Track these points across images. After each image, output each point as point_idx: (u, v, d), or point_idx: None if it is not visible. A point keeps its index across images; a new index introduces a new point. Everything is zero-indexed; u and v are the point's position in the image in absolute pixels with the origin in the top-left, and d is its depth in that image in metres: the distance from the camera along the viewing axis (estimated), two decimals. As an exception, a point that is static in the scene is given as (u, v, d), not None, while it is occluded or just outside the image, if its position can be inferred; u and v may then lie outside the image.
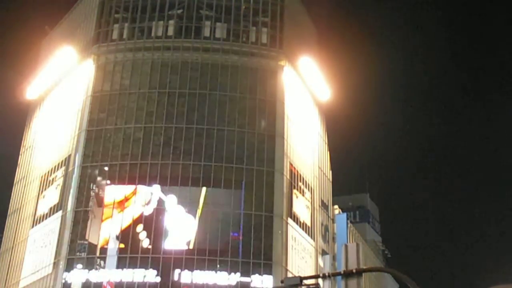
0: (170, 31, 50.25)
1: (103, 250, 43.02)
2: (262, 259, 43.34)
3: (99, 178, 45.58)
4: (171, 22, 50.51)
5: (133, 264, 42.23)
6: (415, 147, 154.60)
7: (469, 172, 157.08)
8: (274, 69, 49.93)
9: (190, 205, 44.23)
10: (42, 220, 48.76)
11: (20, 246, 51.27)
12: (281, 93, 49.24)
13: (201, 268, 42.38)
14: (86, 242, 43.62)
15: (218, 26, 50.55)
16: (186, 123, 46.58)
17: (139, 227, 43.55)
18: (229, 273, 42.45)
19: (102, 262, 42.83)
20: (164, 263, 42.27)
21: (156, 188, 44.49)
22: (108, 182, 45.30)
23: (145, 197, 44.43)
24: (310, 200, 51.48)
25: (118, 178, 45.14)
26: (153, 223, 43.53)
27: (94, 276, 42.25)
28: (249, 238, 43.75)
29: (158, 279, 41.79)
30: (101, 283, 42.00)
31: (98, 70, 49.44)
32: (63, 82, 53.46)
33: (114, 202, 44.38)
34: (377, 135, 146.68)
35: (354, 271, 17.88)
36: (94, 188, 45.40)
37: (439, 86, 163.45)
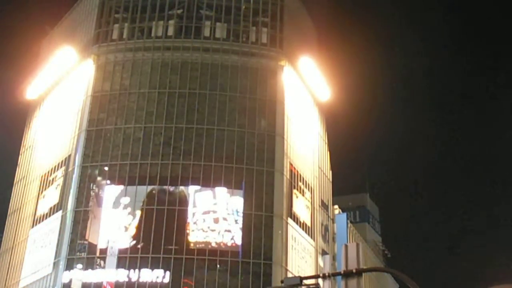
0: (170, 31, 50.30)
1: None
2: (262, 259, 43.37)
3: (99, 178, 45.61)
4: (171, 22, 50.56)
5: (133, 264, 42.29)
6: (415, 147, 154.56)
7: (470, 172, 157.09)
8: (274, 69, 49.96)
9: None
10: (42, 220, 48.78)
11: (20, 246, 51.28)
12: (281, 93, 49.27)
13: (201, 267, 42.43)
14: (86, 242, 43.65)
15: (218, 26, 50.60)
16: (186, 123, 46.61)
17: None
18: (230, 272, 42.53)
19: (102, 262, 42.89)
20: (164, 263, 42.32)
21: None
22: (108, 182, 45.33)
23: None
24: (310, 200, 51.50)
25: (118, 178, 45.17)
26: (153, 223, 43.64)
27: (94, 276, 42.28)
28: (249, 238, 43.77)
29: (158, 279, 41.82)
30: (101, 283, 42.04)
31: (98, 70, 49.47)
32: (63, 82, 53.48)
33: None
34: (377, 135, 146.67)
35: (354, 271, 17.88)
36: (94, 188, 45.43)
37: (440, 86, 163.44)
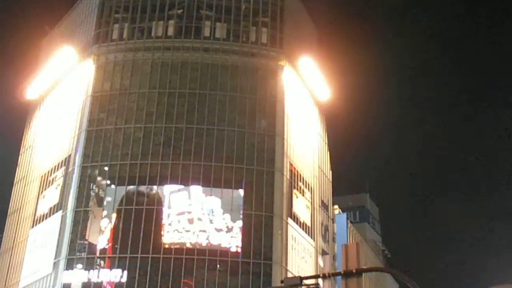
0: (170, 31, 50.28)
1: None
2: (262, 259, 43.37)
3: (99, 178, 45.61)
4: (171, 22, 50.55)
5: (133, 264, 42.29)
6: (415, 147, 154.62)
7: (470, 172, 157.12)
8: (274, 69, 49.95)
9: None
10: (42, 220, 48.77)
11: (20, 246, 51.27)
12: (281, 93, 49.26)
13: (201, 268, 42.43)
14: (86, 242, 43.65)
15: (218, 26, 50.59)
16: (186, 123, 46.59)
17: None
18: (230, 272, 42.53)
19: (102, 262, 42.90)
20: (164, 263, 42.33)
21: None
22: (108, 182, 45.33)
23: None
24: (310, 200, 51.49)
25: (118, 178, 45.17)
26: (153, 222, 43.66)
27: (94, 276, 42.29)
28: (249, 238, 43.76)
29: (158, 279, 41.82)
30: (101, 283, 42.04)
31: (98, 70, 49.46)
32: (63, 82, 53.46)
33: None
34: (377, 135, 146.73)
35: (354, 271, 17.89)
36: (94, 188, 45.43)
37: (440, 85, 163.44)
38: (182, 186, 44.61)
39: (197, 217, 43.89)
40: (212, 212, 44.03)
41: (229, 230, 43.74)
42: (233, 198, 44.69)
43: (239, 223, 44.02)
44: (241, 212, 44.42)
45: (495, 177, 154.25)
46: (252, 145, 46.71)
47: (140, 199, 44.45)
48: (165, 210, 44.05)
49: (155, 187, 44.66)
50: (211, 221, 43.84)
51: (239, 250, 43.30)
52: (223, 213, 44.15)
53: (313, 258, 49.68)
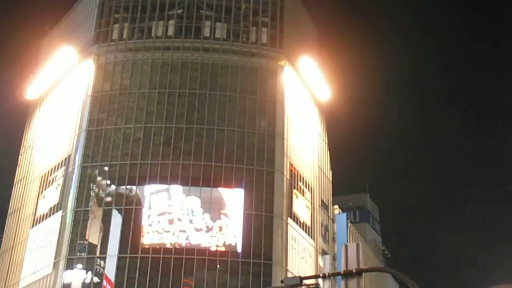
0: (170, 31, 50.31)
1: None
2: (262, 259, 43.38)
3: (99, 178, 45.61)
4: (171, 22, 50.58)
5: (133, 264, 42.31)
6: (415, 147, 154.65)
7: (470, 172, 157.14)
8: (274, 69, 49.97)
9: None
10: (42, 220, 48.78)
11: (20, 246, 51.28)
12: (281, 93, 49.27)
13: (201, 268, 42.44)
14: (86, 242, 43.67)
15: (218, 26, 50.61)
16: (186, 123, 46.62)
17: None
18: (230, 273, 42.53)
19: (102, 262, 42.92)
20: (164, 263, 42.33)
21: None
22: (108, 182, 45.34)
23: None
24: (310, 200, 51.49)
25: (118, 178, 45.17)
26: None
27: (94, 276, 42.29)
28: (249, 238, 43.76)
29: (158, 279, 41.84)
30: (101, 283, 42.06)
31: (98, 70, 49.48)
32: (63, 82, 53.49)
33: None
34: (377, 135, 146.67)
35: (354, 271, 17.89)
36: (94, 188, 45.44)
37: (440, 86, 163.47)
38: (165, 186, 44.54)
39: (177, 217, 43.83)
40: (192, 212, 43.94)
41: (209, 229, 43.66)
42: (213, 198, 44.63)
43: (219, 222, 43.92)
44: (221, 211, 44.31)
45: (495, 176, 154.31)
46: (252, 145, 46.73)
47: (119, 200, 44.50)
48: (144, 212, 44.08)
49: (137, 188, 44.58)
50: (190, 221, 43.75)
51: (220, 249, 43.18)
52: (203, 212, 44.07)
53: (313, 258, 49.69)
